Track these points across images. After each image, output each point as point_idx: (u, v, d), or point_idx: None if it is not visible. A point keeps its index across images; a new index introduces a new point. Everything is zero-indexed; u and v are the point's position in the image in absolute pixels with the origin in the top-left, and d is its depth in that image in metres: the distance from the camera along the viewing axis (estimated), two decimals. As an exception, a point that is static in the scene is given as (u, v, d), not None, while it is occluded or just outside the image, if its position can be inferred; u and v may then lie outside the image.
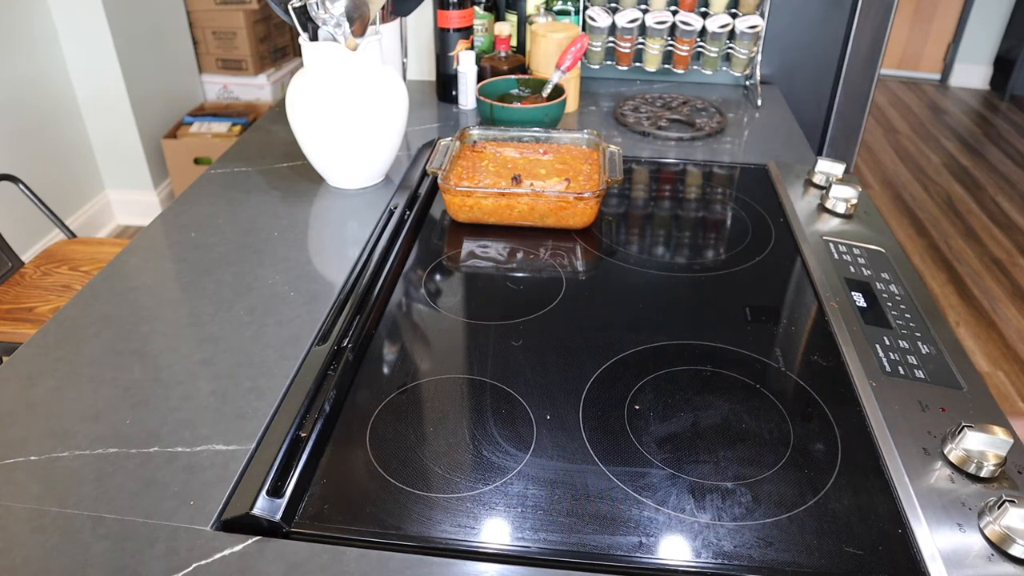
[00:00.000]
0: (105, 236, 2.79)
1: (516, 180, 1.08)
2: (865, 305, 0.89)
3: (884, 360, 0.79)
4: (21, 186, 1.78)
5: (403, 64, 1.52)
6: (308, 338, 0.83)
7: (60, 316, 0.87)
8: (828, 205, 1.10)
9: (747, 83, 1.64)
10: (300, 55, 1.09)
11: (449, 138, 1.17)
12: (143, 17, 2.66)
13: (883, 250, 1.01)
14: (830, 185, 1.11)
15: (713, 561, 0.59)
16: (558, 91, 1.36)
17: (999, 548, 0.59)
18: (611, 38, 1.60)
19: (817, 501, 0.65)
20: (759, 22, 1.51)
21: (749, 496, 0.65)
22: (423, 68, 1.66)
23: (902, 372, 0.78)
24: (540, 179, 1.10)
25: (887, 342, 0.82)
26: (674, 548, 0.60)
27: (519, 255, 1.02)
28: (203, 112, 2.98)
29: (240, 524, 0.61)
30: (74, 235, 1.87)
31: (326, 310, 0.87)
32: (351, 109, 1.07)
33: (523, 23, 1.56)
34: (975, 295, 2.57)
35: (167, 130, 2.82)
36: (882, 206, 3.11)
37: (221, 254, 0.99)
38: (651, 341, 0.85)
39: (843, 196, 1.09)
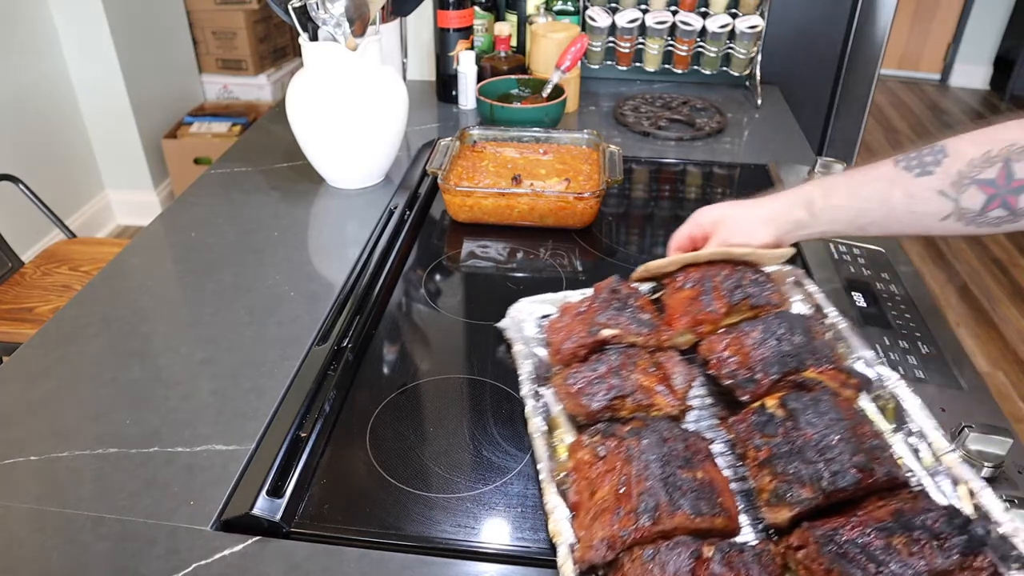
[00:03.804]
0: (105, 236, 2.78)
1: (516, 180, 1.08)
2: (865, 305, 0.88)
3: (884, 360, 0.79)
4: (21, 186, 1.78)
5: (403, 64, 1.52)
6: (308, 338, 0.83)
7: (60, 316, 0.87)
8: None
9: (747, 83, 1.64)
10: (300, 55, 1.09)
11: (449, 138, 1.17)
12: (143, 17, 2.65)
13: (883, 250, 1.01)
14: (830, 185, 1.11)
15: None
16: (558, 91, 1.36)
17: (999, 548, 0.59)
18: (611, 38, 1.60)
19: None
20: (759, 22, 1.51)
21: (749, 496, 0.65)
22: (423, 68, 1.66)
23: (902, 372, 0.78)
24: (540, 179, 1.10)
25: (887, 342, 0.82)
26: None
27: (519, 255, 1.02)
28: (203, 112, 2.98)
29: (240, 524, 0.61)
30: (74, 235, 1.87)
31: (326, 310, 0.87)
32: (351, 109, 1.07)
33: (523, 23, 1.56)
34: (975, 295, 2.57)
35: (167, 130, 2.82)
36: (882, 206, 3.10)
37: (221, 254, 0.99)
38: (651, 341, 0.84)
39: (843, 196, 1.09)
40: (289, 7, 1.03)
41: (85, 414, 0.73)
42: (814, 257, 0.99)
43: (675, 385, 0.67)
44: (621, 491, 0.55)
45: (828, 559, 0.51)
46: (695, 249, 0.80)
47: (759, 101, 1.55)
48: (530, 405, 0.69)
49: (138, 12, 2.62)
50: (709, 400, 0.73)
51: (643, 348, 0.71)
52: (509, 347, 0.79)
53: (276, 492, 0.63)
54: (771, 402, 0.64)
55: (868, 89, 1.70)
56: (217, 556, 0.59)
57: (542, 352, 0.77)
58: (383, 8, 1.21)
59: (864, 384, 0.69)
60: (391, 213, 1.08)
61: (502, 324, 0.81)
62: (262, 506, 0.62)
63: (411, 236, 1.06)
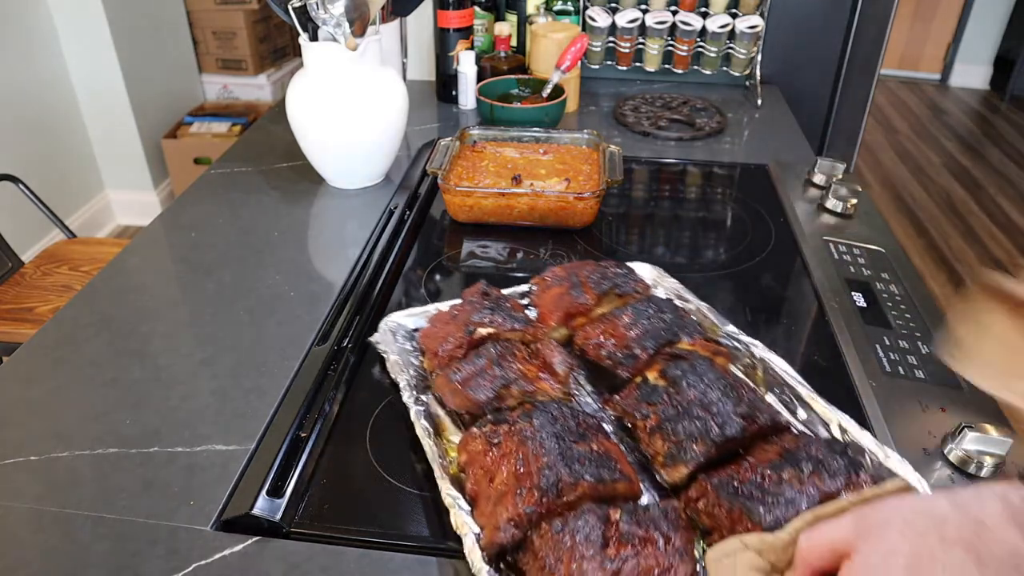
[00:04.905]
0: (105, 236, 2.78)
1: (516, 180, 1.08)
2: (865, 305, 0.89)
3: (884, 360, 0.79)
4: (21, 186, 1.78)
5: (403, 64, 1.52)
6: (308, 338, 0.83)
7: (60, 316, 0.87)
8: (828, 205, 1.10)
9: (747, 83, 1.64)
10: (300, 55, 1.10)
11: (449, 138, 1.17)
12: (143, 17, 2.65)
13: (883, 250, 1.01)
14: (830, 185, 1.11)
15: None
16: (558, 91, 1.36)
17: (999, 548, 0.59)
18: (611, 38, 1.60)
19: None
20: (759, 22, 1.51)
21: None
22: (423, 68, 1.66)
23: (902, 372, 0.78)
24: (540, 179, 1.10)
25: (887, 342, 0.82)
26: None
27: (519, 255, 1.02)
28: (203, 112, 2.98)
29: (240, 524, 0.61)
30: (74, 235, 1.87)
31: (326, 310, 0.87)
32: (351, 109, 1.07)
33: (523, 23, 1.56)
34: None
35: (167, 130, 2.82)
36: (882, 206, 3.10)
37: (221, 254, 0.99)
38: (651, 341, 0.84)
39: (843, 196, 1.09)
40: (289, 7, 1.03)
41: (85, 414, 0.73)
42: (814, 257, 0.99)
43: (557, 370, 0.69)
44: (520, 471, 0.56)
45: (728, 502, 0.55)
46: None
47: (759, 101, 1.55)
48: (414, 410, 0.68)
49: (138, 12, 2.62)
50: (589, 387, 0.75)
51: (520, 342, 0.72)
52: (383, 361, 0.77)
53: (276, 492, 0.63)
54: (652, 374, 0.67)
55: (868, 89, 1.70)
56: (217, 556, 0.59)
57: (416, 363, 0.76)
58: (383, 8, 1.21)
59: (733, 352, 0.73)
60: (391, 213, 1.08)
61: (375, 338, 0.79)
62: (262, 506, 0.62)
63: (411, 236, 1.06)
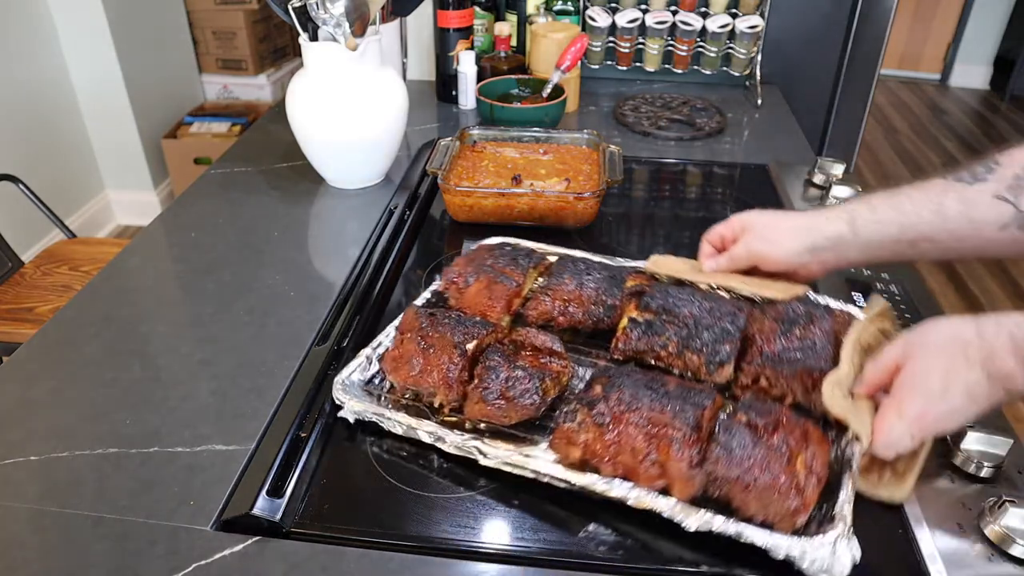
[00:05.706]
0: (105, 236, 2.78)
1: (516, 180, 1.08)
2: (865, 305, 0.88)
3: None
4: (21, 186, 1.78)
5: (403, 64, 1.52)
6: (308, 338, 0.83)
7: (60, 316, 0.87)
8: (828, 205, 1.10)
9: (747, 83, 1.64)
10: (300, 55, 1.10)
11: (449, 138, 1.17)
12: (143, 17, 2.65)
13: (883, 250, 1.00)
14: (830, 185, 1.11)
15: (711, 559, 0.59)
16: (558, 91, 1.36)
17: (999, 548, 0.59)
18: (611, 38, 1.60)
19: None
20: (759, 22, 1.51)
21: (749, 496, 0.65)
22: (423, 68, 1.66)
23: (902, 372, 0.78)
24: (540, 179, 1.10)
25: (887, 342, 0.82)
26: (673, 549, 0.60)
27: (519, 255, 1.02)
28: (203, 112, 2.98)
29: (240, 524, 0.61)
30: (74, 235, 1.87)
31: (326, 310, 0.87)
32: (351, 109, 1.07)
33: (523, 23, 1.56)
34: (975, 295, 2.57)
35: (167, 130, 2.82)
36: (882, 206, 3.10)
37: (221, 254, 0.99)
38: (651, 341, 0.84)
39: (843, 196, 1.09)
40: (289, 7, 1.03)
41: (85, 414, 0.73)
42: (814, 257, 0.99)
43: (555, 348, 0.72)
44: (655, 431, 0.60)
45: (788, 368, 0.67)
46: (723, 249, 0.80)
47: (759, 101, 1.55)
48: (471, 445, 0.64)
49: (138, 12, 2.62)
50: (570, 355, 0.75)
51: (497, 343, 0.72)
52: (380, 430, 0.69)
53: (276, 492, 0.63)
54: (633, 313, 0.73)
55: (868, 89, 1.70)
56: (217, 556, 0.59)
57: (391, 412, 0.69)
58: (383, 8, 1.21)
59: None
60: (391, 213, 1.08)
61: (348, 414, 0.70)
62: (262, 506, 0.62)
63: (411, 236, 1.06)
